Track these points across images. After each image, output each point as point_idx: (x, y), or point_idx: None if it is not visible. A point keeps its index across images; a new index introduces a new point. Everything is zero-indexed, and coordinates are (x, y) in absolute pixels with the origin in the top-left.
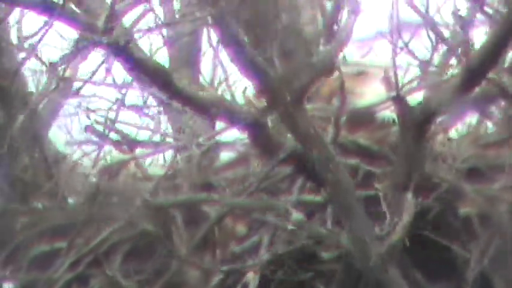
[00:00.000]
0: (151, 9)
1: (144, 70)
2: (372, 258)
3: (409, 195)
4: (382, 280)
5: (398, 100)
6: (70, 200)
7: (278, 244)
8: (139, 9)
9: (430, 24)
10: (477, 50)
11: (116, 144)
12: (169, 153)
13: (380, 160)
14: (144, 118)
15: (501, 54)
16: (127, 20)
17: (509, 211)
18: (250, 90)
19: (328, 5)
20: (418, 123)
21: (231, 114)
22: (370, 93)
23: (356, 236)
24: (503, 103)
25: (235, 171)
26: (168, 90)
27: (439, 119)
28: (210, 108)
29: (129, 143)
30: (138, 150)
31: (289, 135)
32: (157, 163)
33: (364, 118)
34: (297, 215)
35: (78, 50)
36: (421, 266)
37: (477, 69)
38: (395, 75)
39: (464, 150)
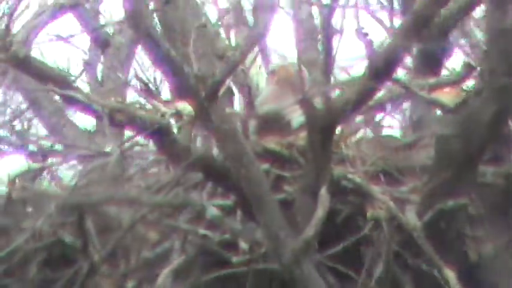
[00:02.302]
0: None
1: (46, 79)
2: (285, 254)
3: (323, 191)
4: (295, 276)
5: (305, 103)
6: None
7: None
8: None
9: None
10: (381, 51)
11: (29, 154)
12: (81, 162)
13: (290, 164)
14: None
15: (404, 55)
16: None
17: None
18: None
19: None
20: (324, 125)
21: (136, 122)
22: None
23: (270, 232)
24: (409, 104)
25: (148, 178)
26: (69, 98)
27: (346, 122)
28: (115, 116)
29: (41, 152)
30: (50, 159)
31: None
32: (70, 172)
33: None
34: (212, 210)
35: None
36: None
37: (381, 70)
38: (302, 77)
39: (373, 152)
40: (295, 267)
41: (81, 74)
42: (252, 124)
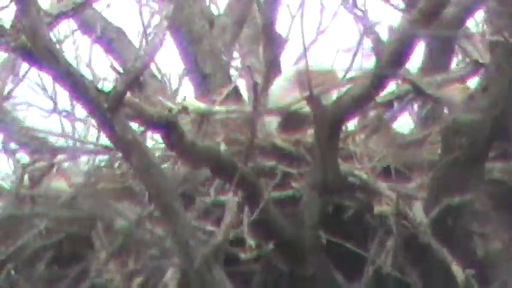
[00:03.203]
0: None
1: (52, 72)
2: (195, 260)
3: (230, 196)
4: (206, 281)
5: (312, 100)
6: None
7: None
8: None
9: None
10: (386, 48)
11: (36, 151)
12: (90, 158)
13: (298, 161)
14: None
15: (410, 52)
16: None
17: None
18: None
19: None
20: (331, 122)
21: (143, 116)
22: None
23: (180, 239)
24: (417, 102)
25: None
26: (78, 92)
27: (353, 118)
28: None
29: (49, 150)
30: (58, 157)
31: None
32: (78, 168)
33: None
34: (121, 222)
35: None
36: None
37: (387, 68)
38: (309, 75)
39: (380, 149)
40: (206, 272)
41: None
42: (274, 121)
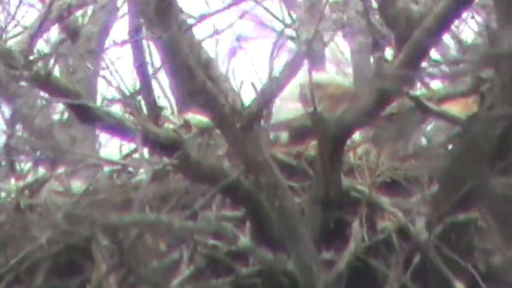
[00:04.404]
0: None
1: (64, 99)
2: (317, 285)
3: (356, 223)
4: None
5: (315, 116)
6: None
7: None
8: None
9: None
10: (392, 64)
11: (37, 161)
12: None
13: (299, 175)
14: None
15: (417, 68)
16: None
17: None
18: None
19: None
20: (333, 138)
21: (149, 137)
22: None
23: (302, 263)
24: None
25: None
26: (86, 116)
27: (356, 133)
28: (129, 132)
29: (50, 160)
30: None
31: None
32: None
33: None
34: (244, 240)
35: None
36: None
37: (392, 84)
38: (312, 90)
39: (382, 163)
40: None
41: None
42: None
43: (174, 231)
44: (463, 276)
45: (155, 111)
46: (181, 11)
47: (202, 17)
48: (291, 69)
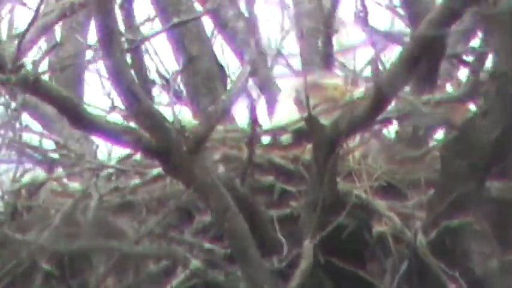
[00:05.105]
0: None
1: (54, 103)
2: None
3: (307, 243)
4: None
5: (310, 120)
6: None
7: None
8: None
9: None
10: (387, 69)
11: (36, 163)
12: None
13: (295, 178)
14: None
15: (411, 73)
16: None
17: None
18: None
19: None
20: (329, 142)
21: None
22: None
23: (254, 284)
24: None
25: (152, 190)
26: (78, 121)
27: (352, 137)
28: (121, 137)
29: (48, 163)
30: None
31: None
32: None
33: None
34: (195, 262)
35: None
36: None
37: (387, 88)
38: (307, 94)
39: (378, 167)
40: None
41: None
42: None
43: (124, 255)
44: (459, 281)
45: None
46: (122, 34)
47: (143, 40)
48: (238, 91)
